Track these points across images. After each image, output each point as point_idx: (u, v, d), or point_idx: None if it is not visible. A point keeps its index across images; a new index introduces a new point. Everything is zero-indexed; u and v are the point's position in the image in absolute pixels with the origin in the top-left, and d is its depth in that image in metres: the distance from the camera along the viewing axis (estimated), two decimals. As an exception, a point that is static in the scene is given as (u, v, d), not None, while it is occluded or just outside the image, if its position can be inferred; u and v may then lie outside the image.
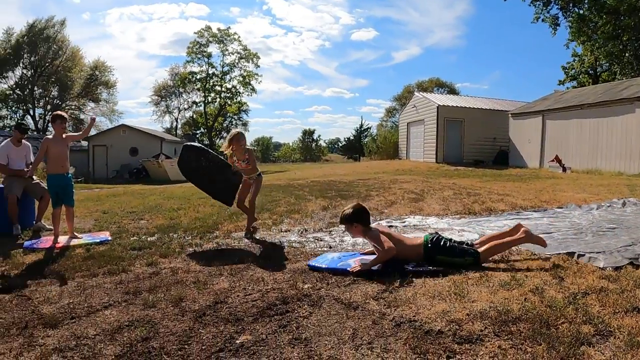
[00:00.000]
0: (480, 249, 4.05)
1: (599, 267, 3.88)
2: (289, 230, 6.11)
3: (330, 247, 5.05)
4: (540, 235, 5.20)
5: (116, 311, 3.18)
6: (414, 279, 3.69)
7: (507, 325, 2.69)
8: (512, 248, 4.67)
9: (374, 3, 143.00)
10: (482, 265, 4.01)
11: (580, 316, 2.77)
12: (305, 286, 3.58)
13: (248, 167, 5.93)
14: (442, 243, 4.07)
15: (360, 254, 4.46)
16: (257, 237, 5.70)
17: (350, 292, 3.42)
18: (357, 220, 4.19)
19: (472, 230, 5.80)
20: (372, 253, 4.30)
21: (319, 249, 4.97)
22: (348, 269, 3.94)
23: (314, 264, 4.22)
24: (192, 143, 6.48)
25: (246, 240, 5.57)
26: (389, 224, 6.22)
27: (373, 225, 4.36)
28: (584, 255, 4.22)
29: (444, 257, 4.01)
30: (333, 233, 5.82)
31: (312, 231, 6.02)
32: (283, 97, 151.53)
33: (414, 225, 6.25)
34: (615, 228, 5.66)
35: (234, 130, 6.15)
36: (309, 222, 6.70)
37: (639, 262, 4.01)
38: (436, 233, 4.28)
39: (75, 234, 5.97)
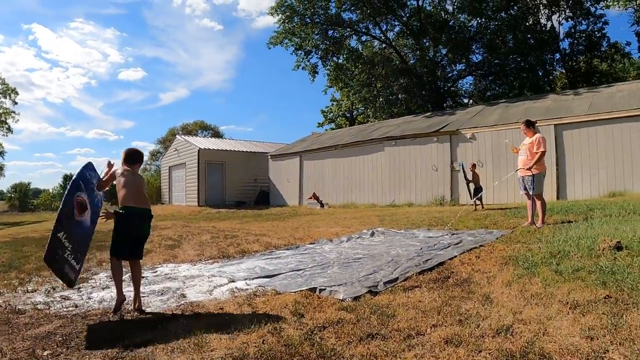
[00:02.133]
0: None
1: (339, 299, 4.20)
2: (35, 290, 5.43)
3: (77, 307, 4.61)
4: (290, 274, 5.51)
5: None
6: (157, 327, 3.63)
7: (241, 370, 2.75)
8: (259, 289, 4.87)
9: (145, 42, 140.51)
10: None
11: (315, 351, 2.97)
12: (45, 353, 3.30)
13: None
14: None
15: None
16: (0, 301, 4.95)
17: (90, 355, 3.21)
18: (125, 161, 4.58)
19: (223, 275, 5.75)
20: None
21: (64, 310, 4.51)
22: None
23: None
24: None
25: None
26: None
27: None
28: (324, 289, 4.56)
29: None
30: (81, 290, 5.32)
31: (60, 289, 5.40)
32: (44, 138, 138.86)
33: (166, 274, 6.02)
34: (361, 258, 6.22)
35: None
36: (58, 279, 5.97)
37: (377, 289, 4.46)
38: None
39: None
